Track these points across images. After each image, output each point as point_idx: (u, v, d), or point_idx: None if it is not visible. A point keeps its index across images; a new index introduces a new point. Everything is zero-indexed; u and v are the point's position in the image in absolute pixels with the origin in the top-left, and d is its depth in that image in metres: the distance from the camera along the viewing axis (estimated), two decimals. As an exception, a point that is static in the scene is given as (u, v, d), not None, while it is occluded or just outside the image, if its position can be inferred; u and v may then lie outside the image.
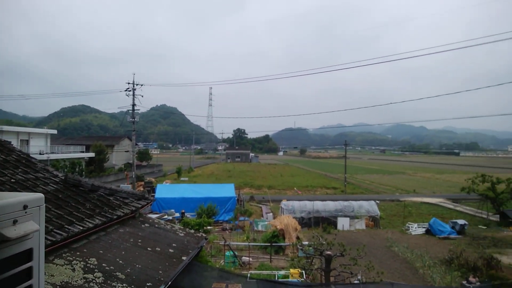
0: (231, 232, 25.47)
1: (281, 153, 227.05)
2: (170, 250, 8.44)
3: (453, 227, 25.84)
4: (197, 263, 9.97)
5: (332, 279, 12.78)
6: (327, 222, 28.48)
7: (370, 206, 30.27)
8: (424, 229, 26.59)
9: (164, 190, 32.38)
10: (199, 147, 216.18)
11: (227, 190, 32.72)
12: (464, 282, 14.28)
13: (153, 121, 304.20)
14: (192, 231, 11.46)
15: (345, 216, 28.95)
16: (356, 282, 12.78)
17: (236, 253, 18.59)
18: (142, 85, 39.03)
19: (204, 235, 11.44)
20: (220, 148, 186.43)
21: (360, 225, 28.58)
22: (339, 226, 28.06)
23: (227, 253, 18.24)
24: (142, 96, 39.60)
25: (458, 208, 37.54)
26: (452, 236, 24.85)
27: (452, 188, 50.70)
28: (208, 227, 24.07)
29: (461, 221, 26.46)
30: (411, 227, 27.49)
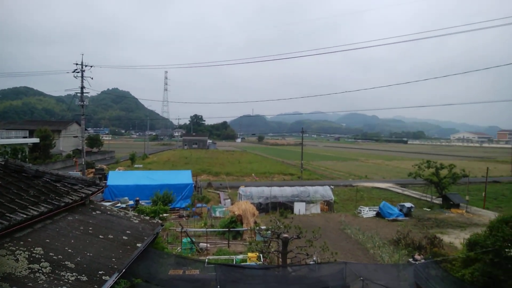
0: (188, 219, 25.14)
1: (239, 140, 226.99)
2: (124, 237, 8.09)
3: (401, 210, 27.50)
4: (153, 250, 9.67)
5: (288, 261, 13.06)
6: (284, 207, 29.06)
7: (325, 191, 31.30)
8: (374, 212, 28.01)
9: (117, 177, 31.10)
10: (154, 133, 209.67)
11: (184, 177, 32.15)
12: (410, 259, 15.28)
13: (104, 106, 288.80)
14: (147, 217, 11.10)
15: (301, 201, 29.70)
16: (311, 263, 13.16)
17: (194, 240, 18.38)
18: (91, 66, 36.72)
19: (159, 221, 11.11)
20: (176, 134, 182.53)
21: (316, 209, 29.50)
22: (296, 211, 28.76)
23: (184, 239, 17.96)
24: (92, 79, 37.26)
25: (405, 192, 40.01)
26: (400, 218, 26.44)
27: (401, 174, 53.84)
28: (164, 215, 23.54)
29: (408, 204, 28.23)
30: (363, 210, 28.84)
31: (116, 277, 5.98)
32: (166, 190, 26.71)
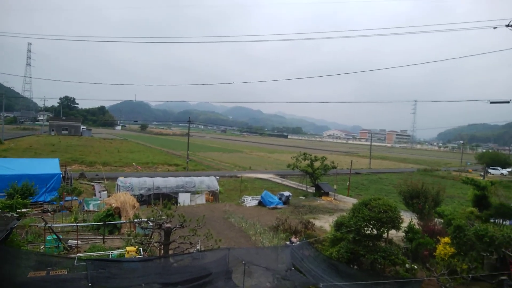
0: (54, 214, 21.98)
1: (119, 128, 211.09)
2: (-41, 235, 6.42)
3: (280, 198, 29.48)
4: (6, 249, 8.03)
5: (171, 251, 12.52)
6: (168, 198, 28.10)
7: (210, 182, 31.41)
8: (257, 201, 29.35)
9: (-43, 167, 25.25)
10: (12, 115, 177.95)
11: (49, 166, 27.97)
12: (288, 242, 16.40)
13: None
14: (-2, 210, 9.16)
15: (187, 191, 29.18)
16: (194, 251, 12.88)
17: (61, 237, 16.10)
18: None
19: (15, 214, 9.32)
20: (41, 117, 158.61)
21: (201, 199, 29.35)
22: (180, 202, 28.13)
23: (48, 237, 15.55)
24: None
25: (285, 182, 43.20)
26: (279, 206, 28.31)
27: (281, 166, 57.87)
28: (24, 210, 20.07)
29: (286, 193, 30.47)
30: (246, 199, 29.92)
31: None
32: (26, 181, 22.79)
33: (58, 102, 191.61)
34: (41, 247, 15.29)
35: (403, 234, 16.96)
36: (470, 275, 12.58)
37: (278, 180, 45.00)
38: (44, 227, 15.81)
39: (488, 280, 13.13)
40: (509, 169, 72.79)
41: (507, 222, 18.18)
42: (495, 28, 23.98)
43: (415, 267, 14.83)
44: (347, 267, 13.35)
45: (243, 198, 30.61)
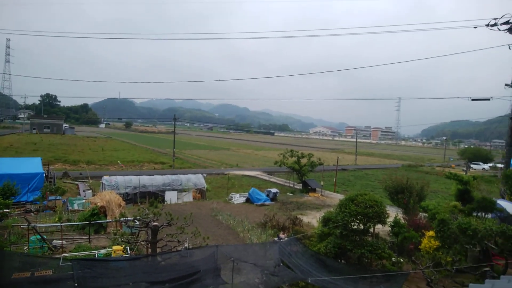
0: (38, 214, 21.53)
1: (102, 125, 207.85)
2: None
3: (268, 195, 29.53)
4: (-14, 250, 7.79)
5: (159, 250, 12.41)
6: (154, 196, 27.79)
7: (197, 179, 31.22)
8: (244, 198, 29.32)
9: None
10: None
11: (31, 166, 27.32)
12: (276, 238, 16.46)
13: None
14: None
15: (173, 189, 28.92)
16: (182, 249, 12.80)
17: (45, 237, 15.76)
18: None
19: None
20: (22, 116, 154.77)
21: (188, 197, 29.16)
22: (167, 200, 27.90)
23: (32, 237, 15.22)
24: None
25: (272, 179, 43.32)
26: (267, 203, 28.36)
27: (268, 163, 57.97)
28: (6, 210, 19.60)
29: (274, 190, 30.52)
30: (234, 197, 29.86)
31: None
32: (8, 181, 22.23)
33: (39, 100, 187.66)
34: (25, 248, 14.96)
35: (389, 228, 17.19)
36: (454, 268, 12.86)
37: (265, 177, 45.08)
38: (27, 227, 15.46)
39: (472, 272, 13.45)
40: (490, 164, 74.76)
41: (489, 216, 18.63)
42: (475, 27, 24.49)
43: (401, 260, 15.08)
44: (335, 261, 13.46)
45: (230, 195, 30.54)
